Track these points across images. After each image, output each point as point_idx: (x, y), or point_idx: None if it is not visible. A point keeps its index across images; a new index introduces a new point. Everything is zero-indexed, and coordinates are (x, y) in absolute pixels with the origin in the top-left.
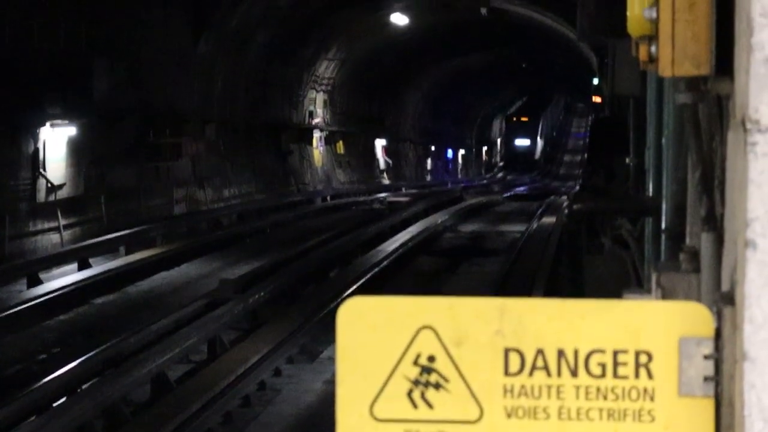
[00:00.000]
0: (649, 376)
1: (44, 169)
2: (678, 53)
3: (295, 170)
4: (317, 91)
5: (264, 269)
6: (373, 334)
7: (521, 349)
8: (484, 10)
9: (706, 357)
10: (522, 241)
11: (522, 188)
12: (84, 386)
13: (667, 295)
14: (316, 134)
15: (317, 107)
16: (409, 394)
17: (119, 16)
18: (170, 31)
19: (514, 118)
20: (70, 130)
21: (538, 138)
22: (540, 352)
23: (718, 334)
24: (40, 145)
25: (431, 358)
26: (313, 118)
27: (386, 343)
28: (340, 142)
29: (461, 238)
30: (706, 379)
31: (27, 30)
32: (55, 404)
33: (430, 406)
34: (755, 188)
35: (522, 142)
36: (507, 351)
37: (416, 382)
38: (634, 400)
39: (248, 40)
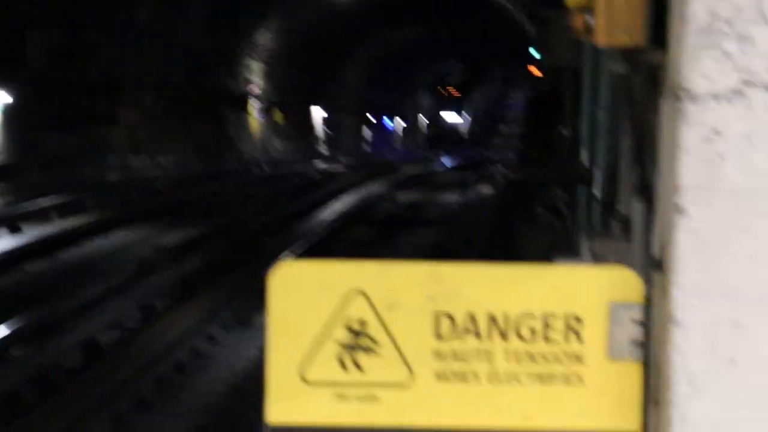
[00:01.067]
0: (579, 340)
1: None
2: (613, 23)
3: (232, 138)
4: (256, 61)
5: (199, 237)
6: (303, 297)
7: (452, 313)
8: None
9: (634, 321)
10: (459, 210)
11: (460, 159)
12: (14, 352)
13: (598, 261)
14: (255, 103)
15: (256, 76)
16: (340, 357)
17: None
18: None
19: (440, 89)
20: (2, 98)
21: (467, 113)
22: (471, 316)
23: (647, 300)
24: None
25: (362, 322)
26: (251, 87)
27: (317, 307)
28: (278, 111)
29: (399, 208)
30: (634, 343)
31: None
32: None
33: (360, 369)
34: (686, 156)
35: (449, 117)
36: (438, 315)
37: (347, 346)
38: (563, 364)
39: (187, 7)
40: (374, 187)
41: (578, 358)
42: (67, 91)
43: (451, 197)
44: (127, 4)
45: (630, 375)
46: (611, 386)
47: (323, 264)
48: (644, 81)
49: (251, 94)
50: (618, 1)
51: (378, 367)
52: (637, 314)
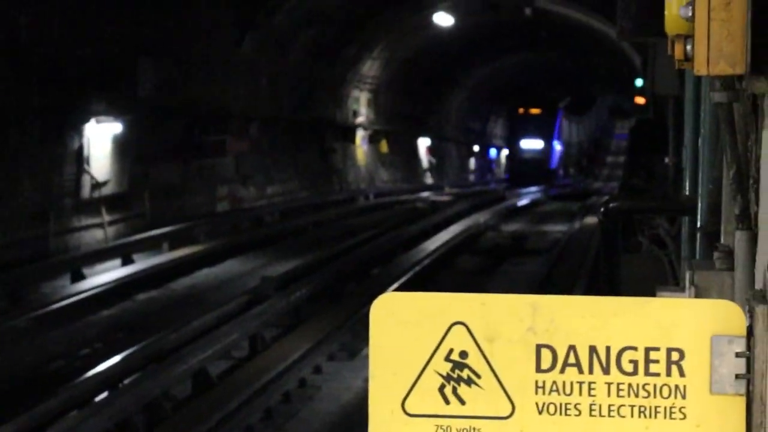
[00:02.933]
0: (681, 373)
1: (89, 166)
2: (713, 52)
3: (338, 169)
4: (361, 90)
5: (306, 267)
6: (405, 329)
7: (553, 345)
8: (528, 10)
9: (737, 355)
10: (563, 240)
11: (566, 189)
12: (125, 381)
13: (700, 293)
14: (360, 133)
15: (361, 106)
16: (441, 389)
17: (164, 16)
18: (215, 30)
19: (521, 110)
20: (114, 127)
21: (555, 140)
22: (572, 348)
23: (750, 333)
24: (85, 142)
25: (463, 354)
26: (356, 117)
27: (419, 339)
28: (384, 141)
29: (503, 238)
30: (737, 377)
31: (74, 30)
32: (96, 399)
33: (461, 401)
34: None
35: (531, 144)
36: (539, 347)
37: (448, 378)
38: (665, 398)
39: (292, 39)
40: (479, 217)
41: (681, 392)
42: (175, 122)
43: (556, 227)
44: (236, 36)
45: (733, 410)
46: (715, 421)
47: (424, 296)
48: (746, 110)
49: (357, 124)
50: (719, 30)
51: (480, 399)
52: (740, 347)
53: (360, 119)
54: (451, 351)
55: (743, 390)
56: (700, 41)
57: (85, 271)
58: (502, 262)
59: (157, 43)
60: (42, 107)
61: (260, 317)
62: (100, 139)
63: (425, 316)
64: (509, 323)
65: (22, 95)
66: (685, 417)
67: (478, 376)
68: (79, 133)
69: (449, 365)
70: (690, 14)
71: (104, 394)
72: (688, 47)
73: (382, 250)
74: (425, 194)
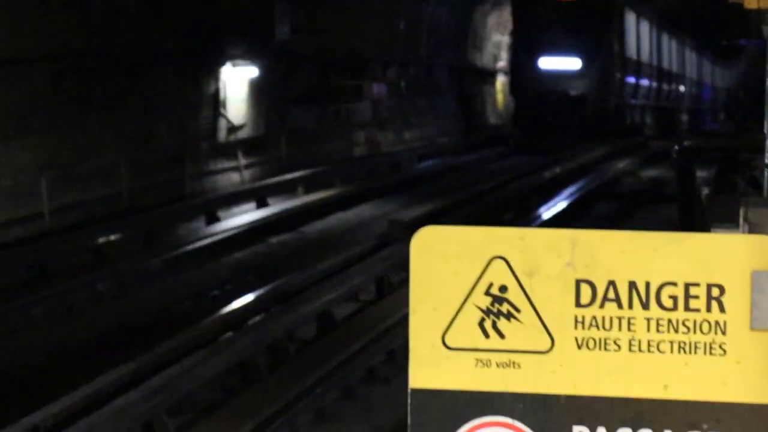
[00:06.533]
0: (721, 309)
1: (225, 109)
2: None
3: (478, 113)
4: (503, 35)
5: (438, 211)
6: (446, 263)
7: (592, 280)
8: None
9: None
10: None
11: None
12: (250, 322)
13: (753, 229)
14: (501, 78)
15: (502, 51)
16: (481, 323)
17: None
18: None
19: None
20: (251, 71)
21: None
22: (611, 284)
23: None
24: (221, 86)
25: (503, 288)
26: (497, 62)
27: (459, 273)
28: None
29: (641, 183)
30: None
31: None
32: (220, 338)
33: (501, 335)
34: None
35: (557, 63)
36: (578, 282)
37: (488, 312)
38: (705, 333)
39: None
40: (617, 163)
41: (720, 328)
42: (312, 66)
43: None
44: None
45: None
46: (754, 357)
47: (464, 230)
48: None
49: (498, 69)
50: None
51: (519, 333)
52: None
53: (501, 64)
54: (491, 285)
55: None
56: None
57: (220, 213)
58: (638, 208)
59: None
60: (178, 51)
61: (387, 260)
62: (236, 82)
63: (465, 250)
64: (548, 258)
65: (158, 40)
66: (725, 353)
67: (518, 311)
68: (216, 76)
69: (489, 299)
70: None
71: (228, 334)
72: None
73: (515, 194)
74: None
